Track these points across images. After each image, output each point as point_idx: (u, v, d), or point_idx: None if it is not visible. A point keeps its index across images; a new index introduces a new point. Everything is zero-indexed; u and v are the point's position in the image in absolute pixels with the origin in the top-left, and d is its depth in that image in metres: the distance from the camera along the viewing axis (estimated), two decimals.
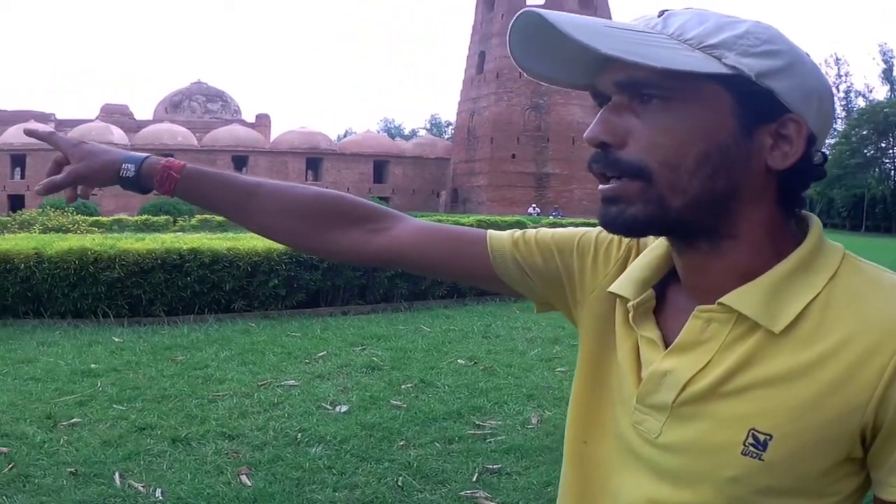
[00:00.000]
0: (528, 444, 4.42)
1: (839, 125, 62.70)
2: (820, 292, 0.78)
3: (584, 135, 0.79)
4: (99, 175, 1.12)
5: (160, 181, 1.11)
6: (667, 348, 0.84)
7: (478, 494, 3.73)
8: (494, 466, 4.07)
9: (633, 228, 0.81)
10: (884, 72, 63.56)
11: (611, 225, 0.81)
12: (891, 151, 53.88)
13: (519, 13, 0.77)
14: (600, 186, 0.81)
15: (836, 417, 0.74)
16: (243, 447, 4.29)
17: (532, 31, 0.79)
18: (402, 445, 4.37)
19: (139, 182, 1.12)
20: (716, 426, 0.78)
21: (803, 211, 0.84)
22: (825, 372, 0.74)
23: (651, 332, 0.87)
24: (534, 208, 46.71)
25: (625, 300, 0.90)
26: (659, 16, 0.79)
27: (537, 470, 4.03)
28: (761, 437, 0.75)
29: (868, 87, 79.46)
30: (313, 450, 4.25)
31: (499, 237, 1.06)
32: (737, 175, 0.77)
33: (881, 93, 64.50)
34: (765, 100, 0.76)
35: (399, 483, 3.82)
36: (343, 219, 1.11)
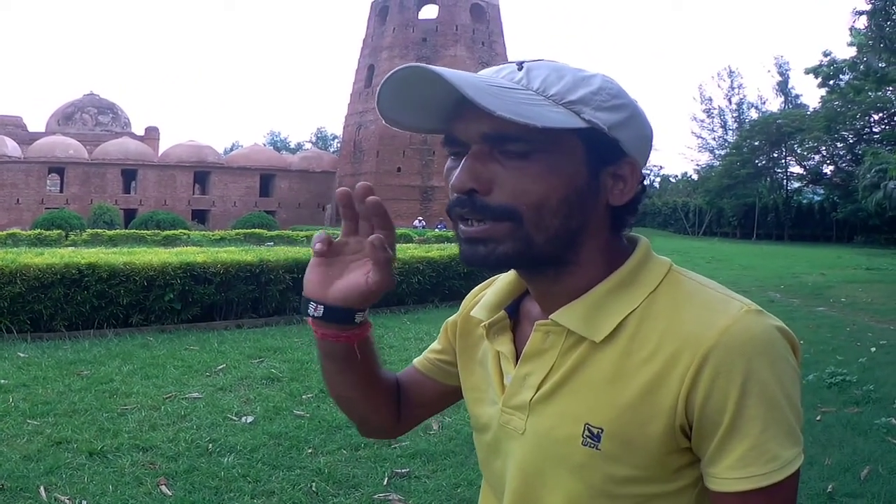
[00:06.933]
0: (433, 448, 4.62)
1: (731, 136, 63.28)
2: (638, 306, 0.88)
3: (452, 182, 0.86)
4: (386, 286, 0.90)
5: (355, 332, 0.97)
6: (519, 358, 0.97)
7: (391, 497, 3.92)
8: (403, 470, 4.25)
9: (504, 264, 0.90)
10: (778, 84, 64.48)
11: (481, 262, 0.87)
12: (783, 161, 55.26)
13: (402, 68, 0.81)
14: (463, 228, 0.88)
15: (653, 416, 0.84)
16: (158, 458, 4.37)
17: (403, 85, 0.84)
18: (311, 453, 4.53)
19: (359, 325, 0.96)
20: (559, 421, 0.90)
21: (633, 233, 0.97)
22: (640, 377, 0.85)
23: (504, 346, 1.00)
24: (419, 221, 45.82)
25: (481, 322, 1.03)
26: (518, 68, 0.86)
27: (444, 472, 4.24)
28: (595, 431, 0.87)
29: (761, 99, 79.94)
30: (226, 459, 4.37)
31: (419, 359, 1.19)
32: (587, 213, 0.88)
33: (774, 105, 65.50)
34: (610, 147, 0.87)
35: (313, 489, 3.98)
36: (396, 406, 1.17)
